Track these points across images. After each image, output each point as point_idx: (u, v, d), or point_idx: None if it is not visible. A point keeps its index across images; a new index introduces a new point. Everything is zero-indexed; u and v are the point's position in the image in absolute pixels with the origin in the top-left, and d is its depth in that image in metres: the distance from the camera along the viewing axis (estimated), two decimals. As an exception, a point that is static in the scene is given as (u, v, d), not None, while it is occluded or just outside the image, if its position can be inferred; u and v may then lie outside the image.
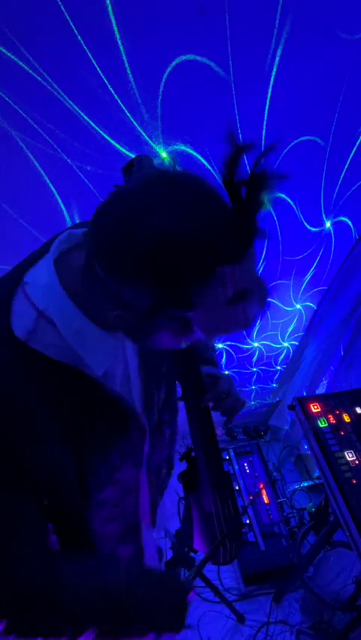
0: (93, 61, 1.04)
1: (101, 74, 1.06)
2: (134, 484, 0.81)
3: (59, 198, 1.26)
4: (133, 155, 1.22)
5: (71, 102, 1.09)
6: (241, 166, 0.49)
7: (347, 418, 1.35)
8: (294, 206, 1.54)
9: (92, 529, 0.73)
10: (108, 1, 0.97)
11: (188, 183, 0.49)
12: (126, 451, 0.74)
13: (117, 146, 1.20)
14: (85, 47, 1.01)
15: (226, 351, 2.03)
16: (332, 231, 1.68)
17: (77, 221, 1.32)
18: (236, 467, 2.11)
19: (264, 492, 2.00)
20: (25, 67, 1.01)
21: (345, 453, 1.26)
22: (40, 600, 0.60)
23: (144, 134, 1.20)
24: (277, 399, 2.41)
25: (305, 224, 1.62)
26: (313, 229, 1.64)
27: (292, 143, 1.36)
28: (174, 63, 1.09)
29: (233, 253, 0.48)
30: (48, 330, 0.57)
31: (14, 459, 0.56)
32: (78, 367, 0.60)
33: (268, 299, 0.56)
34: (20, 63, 1.00)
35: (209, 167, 1.33)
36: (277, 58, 1.16)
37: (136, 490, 0.83)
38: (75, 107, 1.10)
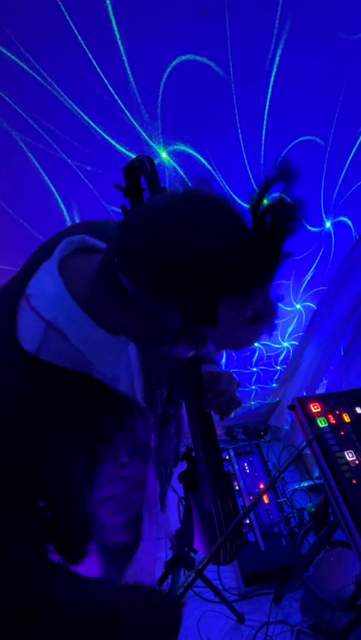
0: (93, 62, 1.04)
1: (101, 74, 1.06)
2: (141, 479, 0.83)
3: (59, 198, 1.26)
4: (133, 155, 1.22)
5: (71, 102, 1.09)
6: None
7: (347, 418, 1.35)
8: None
9: (93, 532, 0.74)
10: (108, 1, 0.97)
11: (220, 208, 0.51)
12: (135, 449, 0.76)
13: (117, 146, 1.20)
14: (85, 47, 1.01)
15: (227, 350, 2.03)
16: (332, 231, 1.68)
17: (77, 220, 1.32)
18: (236, 467, 2.11)
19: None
20: (25, 67, 1.01)
21: (345, 453, 1.26)
22: (33, 618, 0.60)
23: (144, 134, 1.20)
24: (277, 399, 2.41)
25: (305, 224, 1.62)
26: (313, 229, 1.64)
27: (292, 143, 1.36)
28: (174, 63, 1.09)
29: (260, 278, 0.51)
30: (57, 340, 0.58)
31: (24, 474, 0.56)
32: (86, 372, 0.61)
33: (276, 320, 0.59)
34: (20, 63, 1.00)
35: (209, 167, 1.33)
36: (277, 58, 1.16)
37: (143, 486, 0.84)
38: (75, 107, 1.10)
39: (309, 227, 1.63)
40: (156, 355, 0.72)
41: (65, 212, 1.29)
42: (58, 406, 0.58)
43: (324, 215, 1.62)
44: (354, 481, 1.20)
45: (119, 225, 0.53)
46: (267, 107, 1.25)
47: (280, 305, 1.90)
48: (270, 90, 1.22)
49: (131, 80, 1.09)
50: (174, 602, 0.74)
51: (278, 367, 2.24)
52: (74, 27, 0.98)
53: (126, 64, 1.07)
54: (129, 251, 0.51)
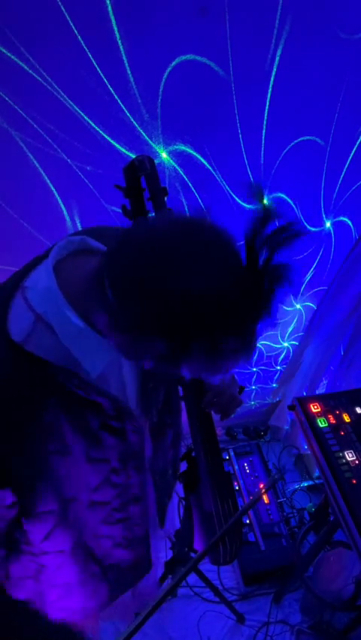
0: (93, 61, 1.04)
1: (101, 74, 1.06)
2: (139, 491, 0.81)
3: (59, 198, 1.26)
4: (133, 155, 1.22)
5: (71, 102, 1.09)
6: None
7: (347, 418, 1.35)
8: (294, 206, 1.54)
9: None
10: (108, 1, 0.97)
11: (218, 248, 0.51)
12: (127, 455, 0.75)
13: (117, 146, 1.20)
14: (85, 47, 1.01)
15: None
16: (332, 231, 1.68)
17: (77, 221, 1.32)
18: (236, 467, 2.11)
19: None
20: (25, 67, 1.01)
21: (345, 453, 1.26)
22: None
23: (144, 134, 1.20)
24: (277, 399, 2.41)
25: (305, 224, 1.62)
26: (313, 229, 1.64)
27: (292, 143, 1.36)
28: (174, 63, 1.09)
29: (245, 325, 0.52)
30: (45, 334, 0.58)
31: None
32: (73, 370, 0.61)
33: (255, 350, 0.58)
34: (20, 63, 1.00)
35: (209, 167, 1.33)
36: (277, 58, 1.16)
37: (144, 499, 0.83)
38: (75, 107, 1.10)
39: (309, 227, 1.63)
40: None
41: (65, 212, 1.29)
42: (37, 396, 0.59)
43: (324, 215, 1.62)
44: (354, 481, 1.20)
45: (116, 242, 0.54)
46: (267, 107, 1.25)
47: (279, 305, 1.90)
48: (270, 90, 1.22)
49: (131, 79, 1.09)
50: None
51: (278, 367, 2.23)
52: (74, 27, 0.98)
53: (126, 64, 1.07)
54: (120, 273, 0.51)
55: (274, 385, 2.34)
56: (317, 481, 2.19)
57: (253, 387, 2.29)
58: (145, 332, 0.51)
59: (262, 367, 2.19)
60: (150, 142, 1.22)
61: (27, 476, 0.61)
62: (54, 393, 0.60)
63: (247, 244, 0.51)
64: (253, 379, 2.24)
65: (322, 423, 1.33)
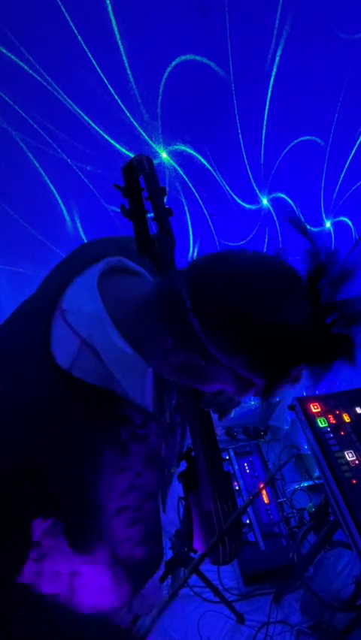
0: (93, 62, 1.04)
1: (101, 74, 1.06)
2: (154, 488, 0.82)
3: (59, 198, 1.26)
4: (133, 156, 1.22)
5: (71, 102, 1.09)
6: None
7: (347, 418, 1.35)
8: (294, 206, 1.54)
9: (103, 529, 0.74)
10: (108, 1, 0.97)
11: (298, 284, 0.54)
12: (148, 457, 0.75)
13: (117, 146, 1.20)
14: (85, 47, 1.01)
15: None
16: (332, 231, 1.68)
17: (77, 221, 1.32)
18: (236, 467, 2.11)
19: (264, 492, 2.00)
20: (25, 67, 1.01)
21: (345, 453, 1.26)
22: None
23: (144, 134, 1.20)
24: (277, 399, 2.41)
25: (306, 224, 1.62)
26: (313, 229, 1.64)
27: (292, 143, 1.36)
28: (174, 63, 1.09)
29: (330, 360, 0.53)
30: (90, 358, 0.58)
31: (37, 488, 0.56)
32: (111, 389, 0.61)
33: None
34: (20, 63, 1.00)
35: (209, 167, 1.33)
36: (277, 58, 1.16)
37: (156, 495, 0.84)
38: (75, 107, 1.10)
39: (309, 227, 1.63)
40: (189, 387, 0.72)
41: (65, 212, 1.29)
42: (83, 422, 0.59)
43: (324, 215, 1.62)
44: (354, 481, 1.20)
45: (194, 268, 0.55)
46: (267, 107, 1.25)
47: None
48: (270, 90, 1.22)
49: (131, 80, 1.09)
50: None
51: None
52: (74, 27, 0.98)
53: (126, 64, 1.07)
54: (208, 300, 0.52)
55: (274, 385, 2.34)
56: (316, 481, 2.18)
57: (253, 387, 2.29)
58: (240, 360, 0.52)
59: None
60: (150, 142, 1.22)
61: (73, 501, 0.62)
62: (98, 416, 0.60)
63: (311, 282, 0.53)
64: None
65: (322, 423, 1.33)
